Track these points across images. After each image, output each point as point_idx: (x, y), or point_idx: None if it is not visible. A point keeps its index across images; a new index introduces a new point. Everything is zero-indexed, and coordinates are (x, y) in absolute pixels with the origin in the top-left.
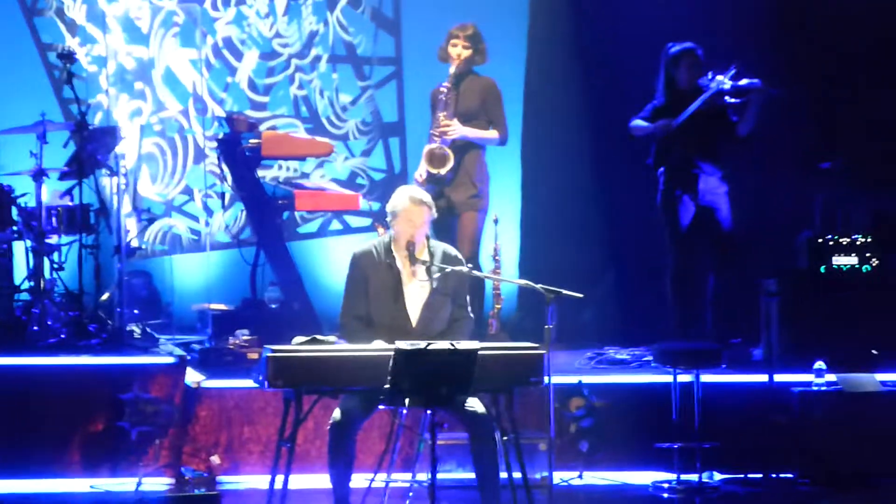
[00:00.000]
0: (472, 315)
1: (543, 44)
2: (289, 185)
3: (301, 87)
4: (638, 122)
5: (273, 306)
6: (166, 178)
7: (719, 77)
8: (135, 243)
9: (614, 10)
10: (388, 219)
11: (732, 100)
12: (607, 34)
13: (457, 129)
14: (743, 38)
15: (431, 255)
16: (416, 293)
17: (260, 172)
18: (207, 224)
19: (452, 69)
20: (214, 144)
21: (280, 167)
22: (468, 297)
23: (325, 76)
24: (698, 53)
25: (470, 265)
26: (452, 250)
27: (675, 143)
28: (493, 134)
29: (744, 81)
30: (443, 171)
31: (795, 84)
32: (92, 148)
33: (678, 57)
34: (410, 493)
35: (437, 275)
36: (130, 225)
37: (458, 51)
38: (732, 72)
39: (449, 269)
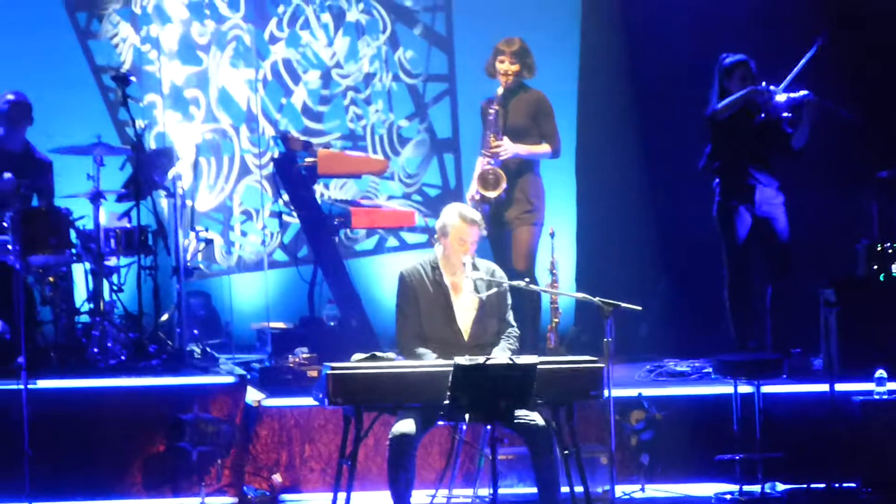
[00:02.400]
0: (516, 327)
1: (596, 55)
2: (345, 202)
3: (358, 114)
4: (726, 101)
5: (331, 324)
6: (211, 191)
7: (773, 88)
8: (195, 263)
9: (667, 19)
10: (436, 236)
11: (786, 114)
12: (660, 44)
13: (508, 149)
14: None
15: (476, 270)
16: (465, 308)
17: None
18: (241, 246)
19: (501, 88)
20: (259, 161)
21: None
22: (510, 311)
23: (382, 100)
24: (751, 65)
25: (527, 279)
26: (497, 268)
27: (730, 154)
28: (545, 148)
29: (799, 94)
30: (495, 194)
31: (850, 92)
32: (149, 169)
33: (732, 68)
34: None
35: (491, 290)
36: (189, 245)
37: (506, 66)
38: (787, 83)
39: (506, 284)
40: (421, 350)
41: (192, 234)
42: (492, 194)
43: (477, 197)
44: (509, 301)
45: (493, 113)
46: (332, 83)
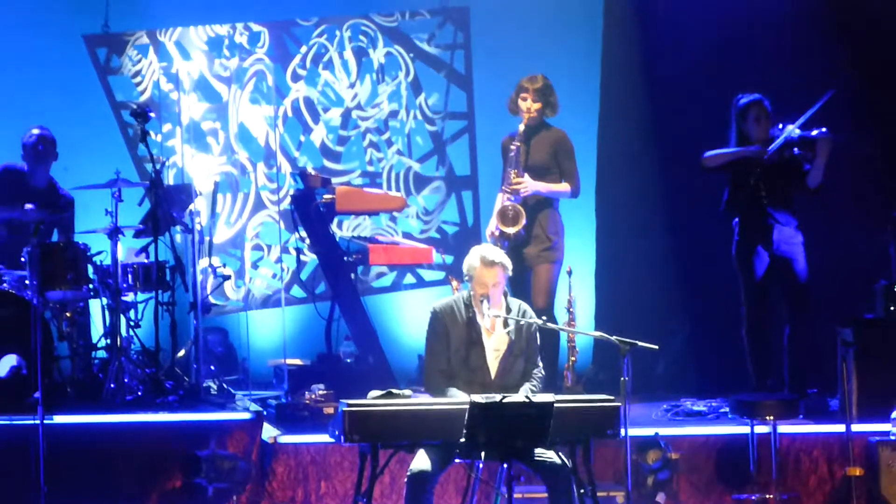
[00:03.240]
0: (542, 367)
1: (616, 94)
2: (363, 239)
3: (378, 158)
4: (715, 151)
5: (348, 361)
6: (228, 226)
7: (790, 127)
8: (212, 299)
9: (688, 59)
10: (465, 277)
11: (797, 150)
12: (681, 83)
13: (528, 186)
14: (817, 87)
15: (508, 310)
16: (494, 347)
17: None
18: (252, 280)
19: (522, 125)
20: (277, 196)
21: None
22: (539, 352)
23: (401, 142)
24: (765, 104)
25: (544, 318)
26: (527, 307)
27: (748, 194)
28: (565, 187)
29: (815, 132)
30: (515, 230)
31: (869, 131)
32: (167, 205)
33: (746, 109)
34: None
35: (511, 327)
36: (206, 282)
37: (528, 104)
38: (803, 121)
39: (524, 320)
40: (448, 388)
41: (210, 270)
42: (511, 230)
43: (496, 233)
44: (538, 342)
45: (514, 149)
46: (351, 123)
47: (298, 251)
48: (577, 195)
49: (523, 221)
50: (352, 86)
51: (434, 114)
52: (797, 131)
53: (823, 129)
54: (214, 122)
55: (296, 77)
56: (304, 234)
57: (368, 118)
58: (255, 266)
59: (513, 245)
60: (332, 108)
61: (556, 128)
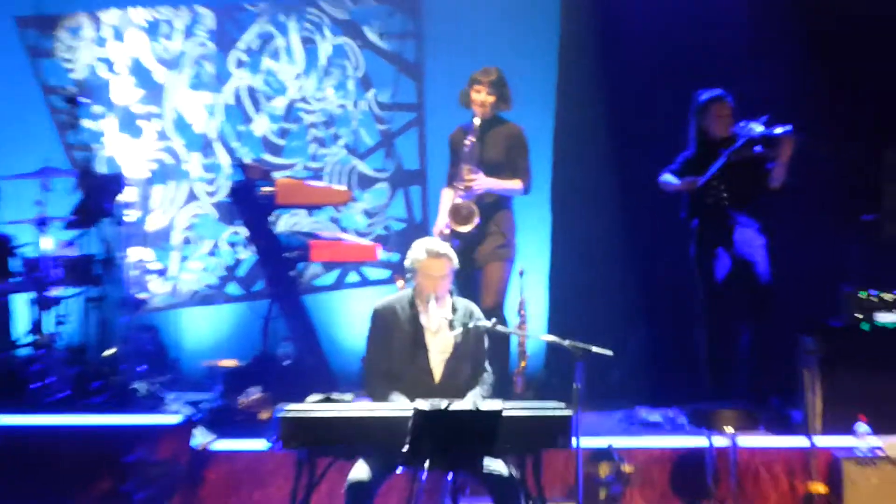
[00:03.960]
0: (491, 371)
1: (573, 90)
2: (304, 234)
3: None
4: (667, 178)
5: (286, 362)
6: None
7: (752, 125)
8: (142, 296)
9: (647, 53)
10: (408, 274)
11: (759, 149)
12: (640, 79)
13: (482, 183)
14: (782, 84)
15: (455, 310)
16: (438, 349)
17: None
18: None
19: (478, 120)
20: (211, 188)
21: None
22: (487, 355)
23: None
24: (728, 100)
25: (494, 319)
26: (475, 307)
27: (710, 194)
28: (517, 184)
29: (778, 130)
30: (468, 229)
31: (836, 133)
32: (98, 195)
33: (707, 105)
34: None
35: (458, 330)
36: (137, 276)
37: (482, 97)
38: (765, 119)
39: (472, 323)
40: (390, 392)
41: (141, 265)
42: (464, 228)
43: (447, 231)
44: (487, 345)
45: (468, 144)
46: (295, 116)
47: (235, 246)
48: (528, 192)
49: (476, 220)
50: (297, 76)
51: (382, 108)
52: (759, 128)
53: (788, 127)
54: (150, 108)
55: (239, 64)
56: (241, 228)
57: (314, 111)
58: (184, 258)
59: (463, 245)
60: (275, 98)
61: (510, 122)
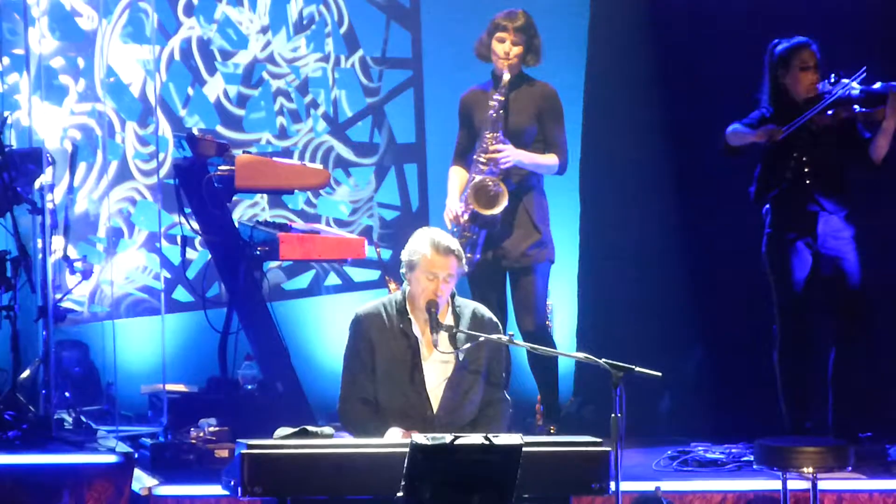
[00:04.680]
0: (509, 398)
1: (610, 38)
2: (272, 226)
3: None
4: (736, 127)
5: (249, 387)
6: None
7: (845, 80)
8: (67, 304)
9: None
10: (402, 270)
11: (863, 109)
12: (697, 21)
13: (511, 155)
14: (870, 34)
15: (457, 318)
16: (437, 369)
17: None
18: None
19: (507, 74)
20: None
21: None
22: (505, 375)
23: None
24: (814, 49)
25: (511, 333)
26: (485, 311)
27: (788, 169)
28: (552, 159)
29: (878, 85)
30: (495, 212)
31: None
32: (9, 177)
33: (787, 57)
34: None
35: (465, 345)
36: (61, 280)
37: (506, 47)
38: (863, 75)
39: (482, 337)
40: (373, 425)
41: (66, 264)
42: (492, 211)
43: (464, 217)
44: (505, 357)
45: (495, 105)
46: (260, 80)
47: (184, 240)
48: (564, 171)
49: (505, 202)
50: (264, 31)
51: (370, 65)
52: (856, 85)
53: (893, 83)
54: (73, 64)
55: (189, 10)
56: (189, 219)
57: (283, 76)
58: (112, 254)
59: (489, 235)
60: (235, 56)
61: (540, 81)
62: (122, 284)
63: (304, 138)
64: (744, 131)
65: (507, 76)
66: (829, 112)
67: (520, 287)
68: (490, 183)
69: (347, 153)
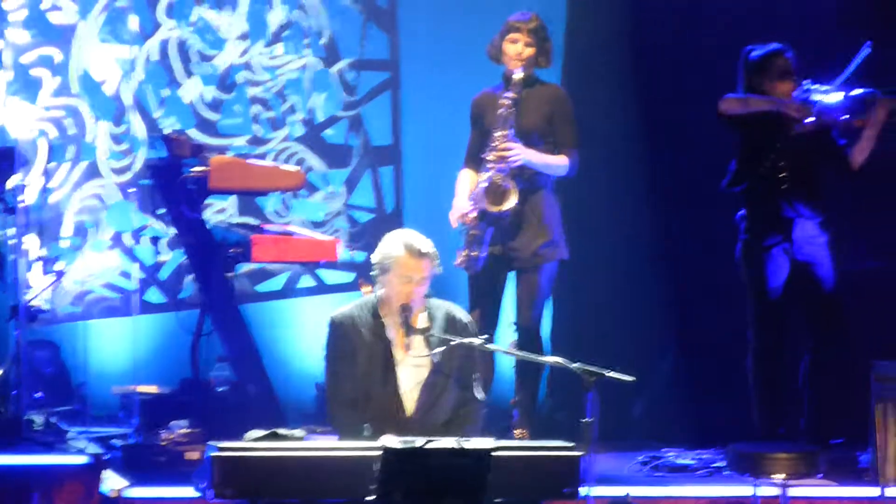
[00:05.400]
0: (483, 399)
1: (586, 41)
2: (245, 227)
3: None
4: (743, 95)
5: (221, 389)
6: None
7: (824, 87)
8: (39, 304)
9: None
10: (374, 272)
11: (845, 116)
12: (668, 31)
13: (521, 154)
14: (849, 34)
15: (431, 319)
16: (411, 372)
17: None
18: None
19: (520, 73)
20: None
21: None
22: (478, 377)
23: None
24: (788, 56)
25: (485, 336)
26: (459, 312)
27: (764, 167)
28: (561, 161)
29: (858, 91)
30: (503, 208)
31: None
32: None
33: (762, 64)
34: None
35: (439, 348)
36: (33, 279)
37: (519, 48)
38: (840, 81)
39: (456, 340)
40: (362, 426)
41: (39, 264)
42: (500, 208)
43: (473, 215)
44: (476, 359)
45: (506, 104)
46: (235, 84)
47: (155, 241)
48: (574, 173)
49: (514, 199)
50: (244, 37)
51: (353, 104)
52: (839, 93)
53: (871, 89)
54: (48, 59)
55: (168, 12)
56: (164, 218)
57: (260, 84)
58: (77, 249)
59: (497, 234)
60: (214, 58)
61: (551, 83)
62: (94, 285)
63: (279, 146)
64: (758, 97)
65: (519, 74)
66: (810, 120)
67: (525, 282)
68: (499, 180)
69: (319, 164)
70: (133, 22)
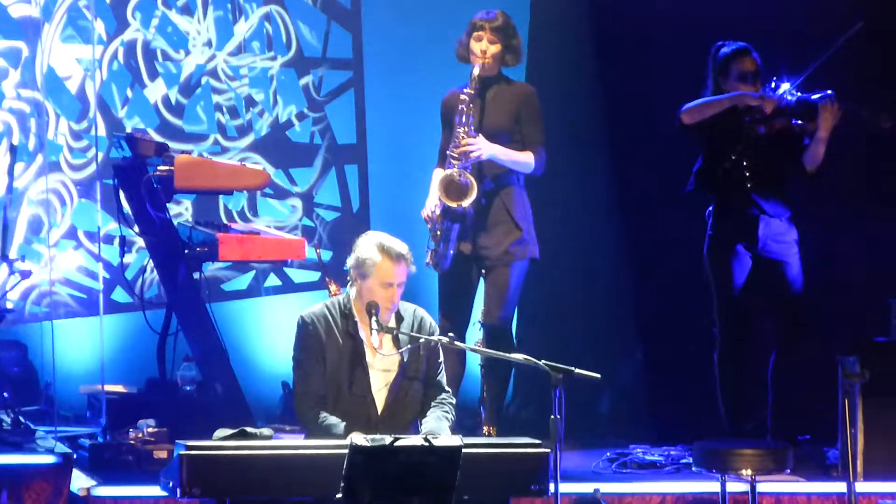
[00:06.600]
0: (451, 393)
1: (551, 39)
2: (211, 226)
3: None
4: (698, 101)
5: (188, 389)
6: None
7: (784, 86)
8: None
9: None
10: (351, 276)
11: (797, 120)
12: (632, 24)
13: (483, 148)
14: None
15: (399, 319)
16: (381, 371)
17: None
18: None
19: (477, 69)
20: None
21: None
22: (444, 372)
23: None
24: (754, 56)
25: (451, 334)
26: (424, 314)
27: (725, 170)
28: (526, 157)
29: (815, 96)
30: (464, 204)
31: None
32: None
33: (725, 63)
34: None
35: (407, 346)
36: None
37: (484, 46)
38: (799, 81)
39: (423, 338)
40: (335, 423)
41: (5, 264)
42: (460, 203)
43: (437, 211)
44: (441, 358)
45: (464, 101)
46: (199, 85)
47: (123, 240)
48: (541, 171)
49: (475, 193)
50: (208, 44)
51: (321, 119)
52: (794, 94)
53: (828, 92)
54: (13, 51)
55: (134, 13)
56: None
57: (224, 91)
58: (28, 241)
59: (464, 230)
60: (180, 62)
61: (519, 82)
62: (60, 285)
63: (240, 155)
64: (713, 99)
65: (476, 70)
66: (764, 125)
67: (494, 280)
68: (457, 175)
69: (282, 179)
70: (98, 23)
